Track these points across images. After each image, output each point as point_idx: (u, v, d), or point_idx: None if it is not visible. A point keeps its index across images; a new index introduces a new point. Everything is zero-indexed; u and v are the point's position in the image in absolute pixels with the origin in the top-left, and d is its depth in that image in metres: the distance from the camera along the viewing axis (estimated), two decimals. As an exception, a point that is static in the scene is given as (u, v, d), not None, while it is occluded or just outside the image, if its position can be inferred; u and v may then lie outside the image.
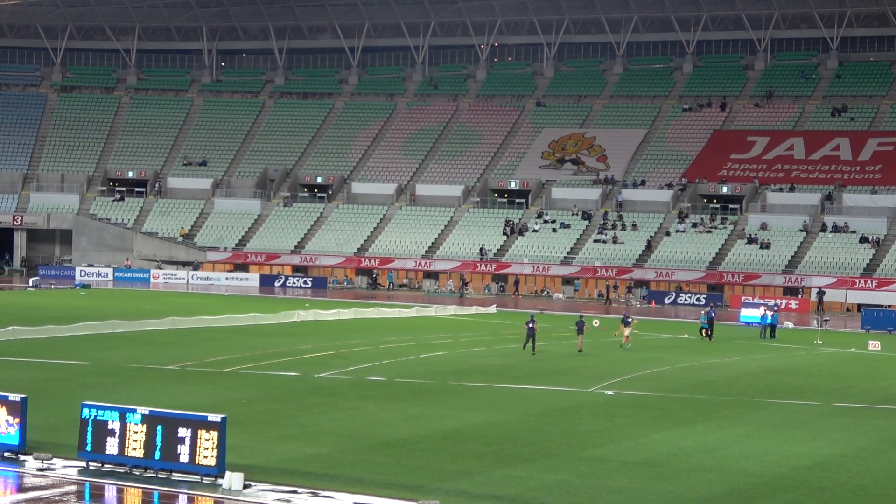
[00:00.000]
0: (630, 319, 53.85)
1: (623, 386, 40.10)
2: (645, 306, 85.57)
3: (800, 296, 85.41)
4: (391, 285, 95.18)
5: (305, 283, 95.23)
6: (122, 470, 24.35)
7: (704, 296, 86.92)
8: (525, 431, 30.55)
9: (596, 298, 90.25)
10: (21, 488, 23.29)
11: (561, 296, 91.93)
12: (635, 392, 38.74)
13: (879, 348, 56.27)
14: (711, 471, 26.32)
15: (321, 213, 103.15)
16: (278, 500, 22.67)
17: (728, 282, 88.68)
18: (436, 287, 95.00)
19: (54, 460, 25.04)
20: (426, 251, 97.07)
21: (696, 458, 27.81)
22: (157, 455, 24.03)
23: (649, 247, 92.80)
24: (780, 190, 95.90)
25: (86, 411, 24.83)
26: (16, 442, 25.37)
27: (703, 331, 57.99)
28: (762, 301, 75.62)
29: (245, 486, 23.38)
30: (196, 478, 23.76)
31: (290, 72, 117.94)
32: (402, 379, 39.91)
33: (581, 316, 53.03)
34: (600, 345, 52.71)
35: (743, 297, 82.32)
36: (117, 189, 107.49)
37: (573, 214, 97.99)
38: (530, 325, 49.67)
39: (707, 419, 33.62)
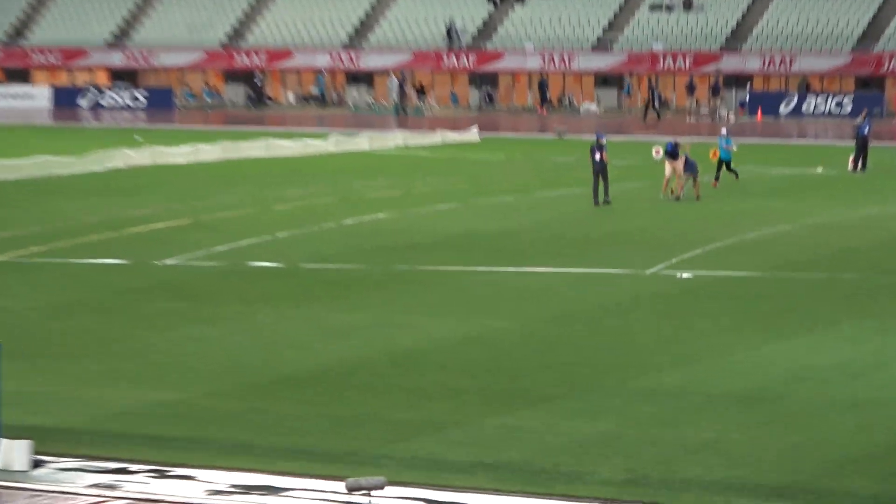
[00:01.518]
0: (681, 148, 53.22)
1: (707, 262, 40.40)
2: (745, 120, 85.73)
3: None
4: (322, 97, 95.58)
5: (135, 99, 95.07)
6: None
7: (850, 96, 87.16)
8: (536, 350, 30.79)
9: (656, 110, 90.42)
10: None
11: (594, 107, 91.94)
12: (728, 272, 39.04)
13: None
14: (866, 407, 26.42)
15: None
16: (94, 485, 22.52)
17: (892, 71, 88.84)
18: (369, 100, 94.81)
19: None
20: (351, 38, 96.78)
21: (839, 385, 27.98)
22: None
23: (748, 15, 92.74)
24: None
25: None
26: None
27: (725, 165, 56.91)
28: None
29: (35, 465, 23.37)
30: (-51, 452, 23.80)
31: None
32: (313, 264, 40.17)
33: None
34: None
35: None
36: None
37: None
38: (598, 154, 49.49)
39: (854, 316, 33.89)
